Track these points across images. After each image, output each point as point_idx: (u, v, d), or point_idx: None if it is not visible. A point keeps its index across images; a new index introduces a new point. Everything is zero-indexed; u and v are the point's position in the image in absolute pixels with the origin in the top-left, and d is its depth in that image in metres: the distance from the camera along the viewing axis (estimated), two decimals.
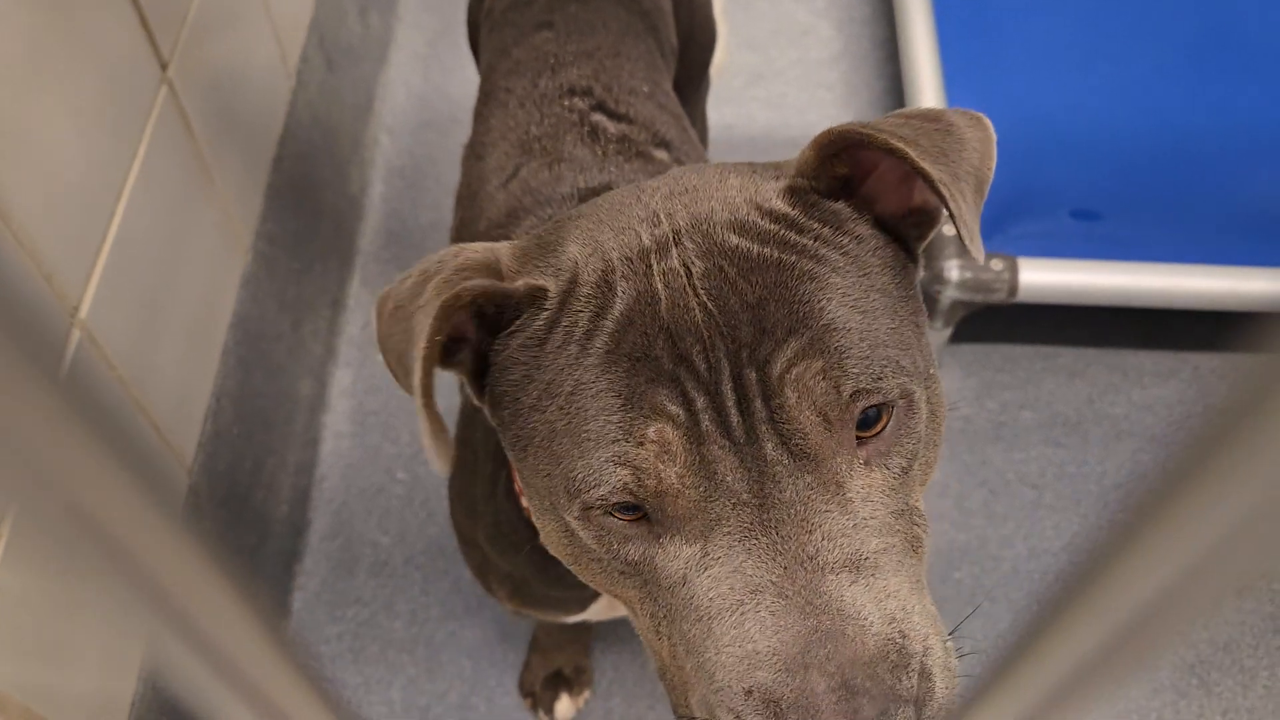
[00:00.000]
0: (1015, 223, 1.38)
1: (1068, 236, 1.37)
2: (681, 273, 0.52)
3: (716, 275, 0.51)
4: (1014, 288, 1.29)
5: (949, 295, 1.31)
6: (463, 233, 0.92)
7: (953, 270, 1.30)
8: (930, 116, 0.58)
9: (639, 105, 0.90)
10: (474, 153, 0.94)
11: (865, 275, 0.54)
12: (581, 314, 0.52)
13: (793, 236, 0.53)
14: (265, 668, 0.30)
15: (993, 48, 1.56)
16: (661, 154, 0.87)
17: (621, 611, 0.82)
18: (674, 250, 0.52)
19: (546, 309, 0.54)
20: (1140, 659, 0.27)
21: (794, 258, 0.52)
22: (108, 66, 0.86)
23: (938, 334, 1.37)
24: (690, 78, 1.13)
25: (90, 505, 0.22)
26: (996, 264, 1.29)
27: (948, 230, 1.32)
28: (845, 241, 0.54)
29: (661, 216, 0.54)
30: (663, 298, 0.51)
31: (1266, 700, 1.20)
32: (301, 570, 1.28)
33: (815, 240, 0.53)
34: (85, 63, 0.83)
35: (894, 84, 1.70)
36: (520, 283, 0.54)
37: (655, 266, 0.52)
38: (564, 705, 1.17)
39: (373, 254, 1.53)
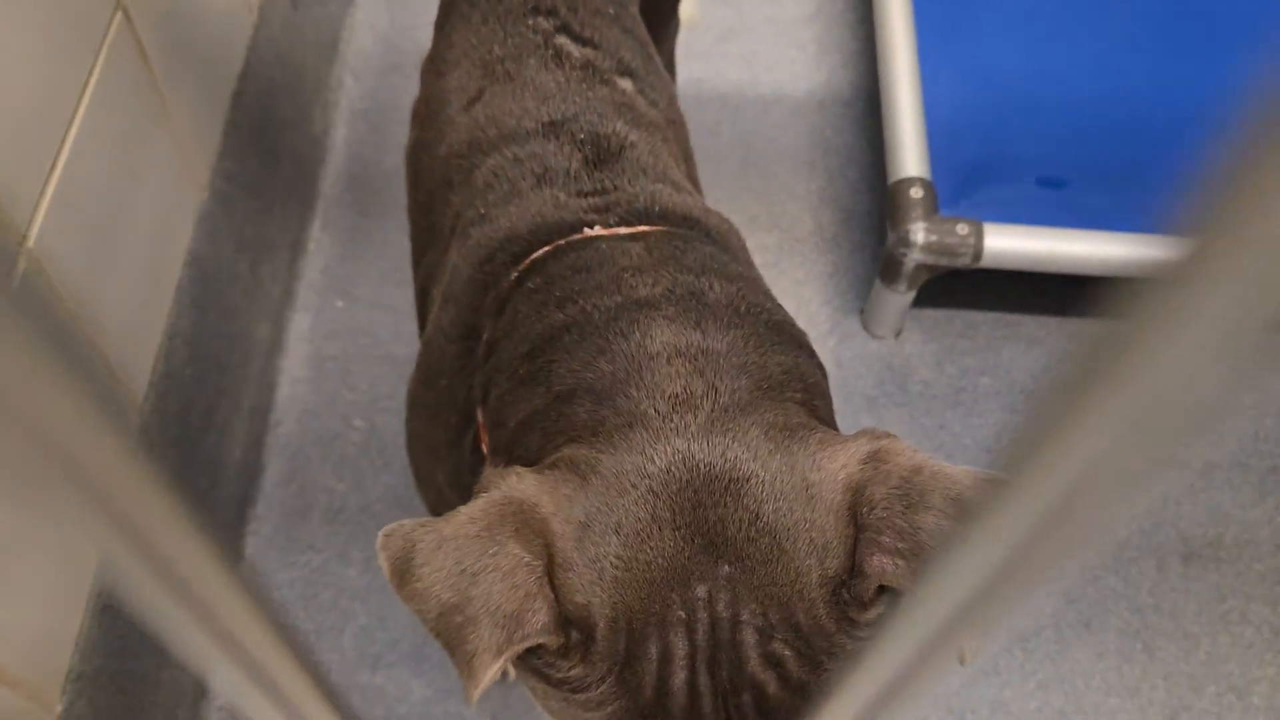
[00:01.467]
0: (982, 188, 1.38)
1: (1033, 203, 1.37)
2: (723, 684, 0.53)
3: (748, 691, 0.53)
4: (979, 253, 1.29)
5: (914, 258, 1.31)
6: (420, 153, 0.90)
7: (918, 233, 1.30)
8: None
9: (604, 29, 0.88)
10: (434, 68, 0.91)
11: None
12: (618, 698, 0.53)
13: (826, 662, 0.54)
14: (218, 589, 0.29)
15: (966, 13, 1.56)
16: (625, 83, 0.85)
17: None
18: (718, 666, 0.53)
19: (583, 664, 0.53)
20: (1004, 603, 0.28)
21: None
22: None
23: (901, 297, 1.37)
24: (659, 12, 1.11)
25: (45, 420, 0.21)
26: (962, 228, 1.30)
27: (914, 193, 1.32)
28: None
29: (704, 578, 0.53)
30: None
31: (1208, 667, 1.22)
32: (254, 516, 1.27)
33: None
34: None
35: (867, 45, 1.69)
36: (565, 634, 0.53)
37: (699, 680, 0.53)
38: None
39: (334, 198, 1.50)
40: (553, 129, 0.79)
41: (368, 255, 1.46)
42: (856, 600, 0.53)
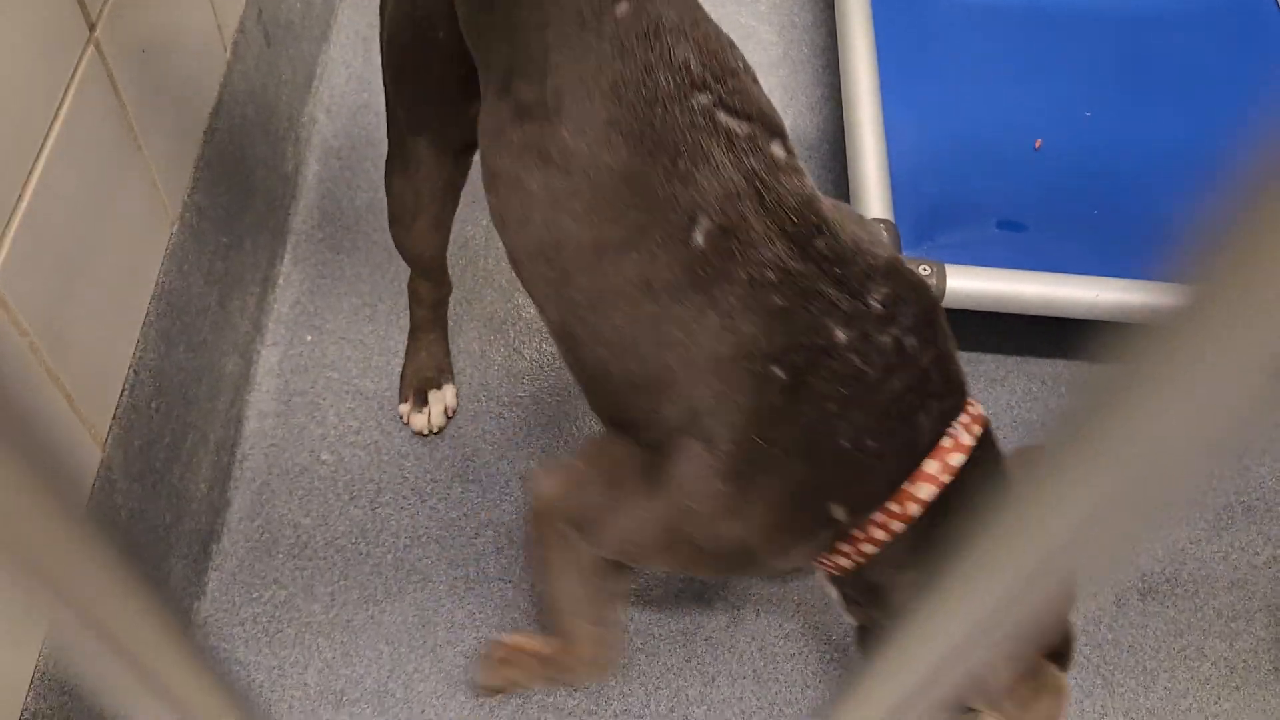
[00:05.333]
0: (944, 231, 1.41)
1: (994, 246, 1.40)
2: None
3: None
4: (941, 293, 1.32)
5: None
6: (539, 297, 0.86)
7: None
8: None
9: (745, 88, 0.81)
10: (545, 126, 0.80)
11: None
12: None
13: None
14: (172, 664, 0.29)
15: (929, 60, 1.60)
16: (778, 149, 0.80)
17: None
18: None
19: None
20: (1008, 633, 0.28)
21: None
22: (29, 21, 0.84)
23: None
24: None
25: None
26: (925, 269, 1.32)
27: None
28: None
29: None
30: None
31: (1166, 701, 1.24)
32: (219, 550, 1.26)
33: None
34: (3, 14, 0.81)
35: (832, 91, 1.73)
36: None
37: None
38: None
39: (305, 233, 1.51)
40: (788, 250, 0.77)
41: (338, 290, 1.46)
42: None
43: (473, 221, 1.50)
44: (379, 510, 1.30)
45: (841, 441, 0.76)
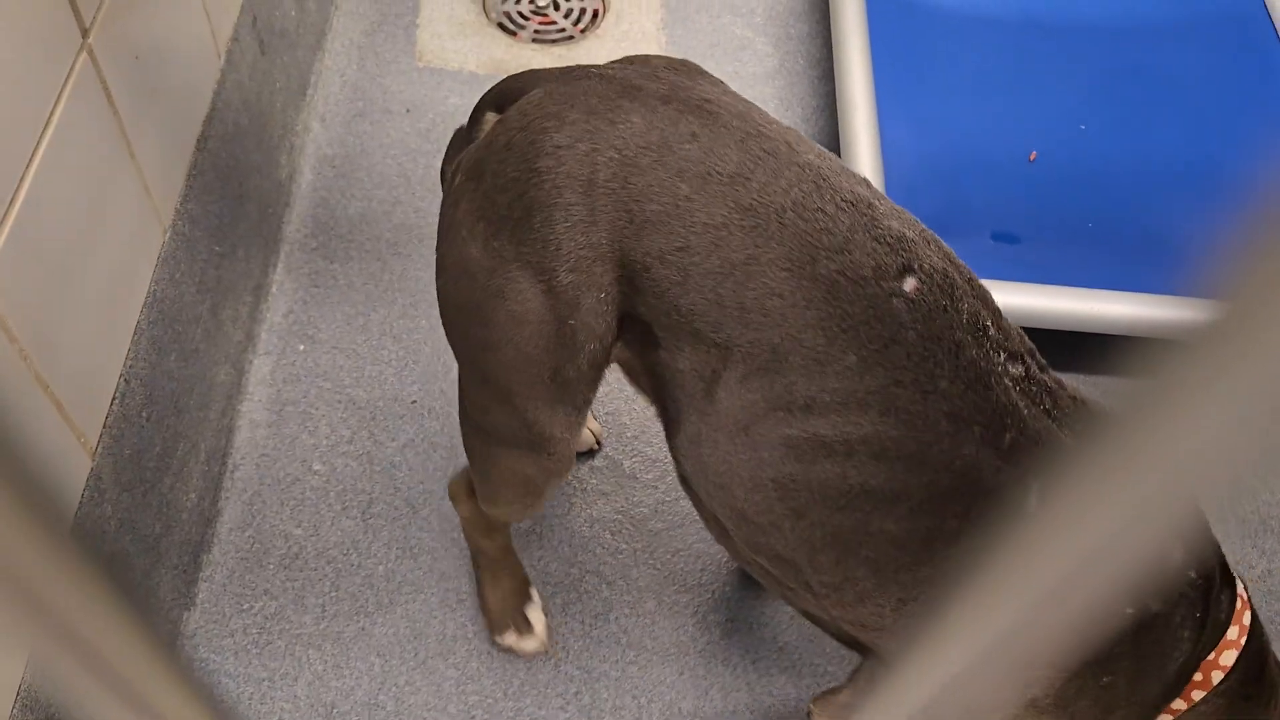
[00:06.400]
0: None
1: (988, 258, 1.40)
2: None
3: None
4: None
5: None
6: None
7: None
8: None
9: (1003, 322, 0.79)
10: (841, 416, 0.75)
11: None
12: None
13: None
14: (156, 681, 0.29)
15: (925, 72, 1.60)
16: (1037, 370, 0.79)
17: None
18: None
19: None
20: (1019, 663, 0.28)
21: None
22: (21, 27, 0.84)
23: None
24: None
25: None
26: None
27: None
28: None
29: None
30: None
31: None
32: (209, 561, 1.25)
33: None
34: None
35: (828, 101, 1.73)
36: None
37: None
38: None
39: (299, 242, 1.50)
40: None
41: (331, 299, 1.46)
42: None
43: None
44: (371, 521, 1.29)
45: (1174, 655, 0.80)
